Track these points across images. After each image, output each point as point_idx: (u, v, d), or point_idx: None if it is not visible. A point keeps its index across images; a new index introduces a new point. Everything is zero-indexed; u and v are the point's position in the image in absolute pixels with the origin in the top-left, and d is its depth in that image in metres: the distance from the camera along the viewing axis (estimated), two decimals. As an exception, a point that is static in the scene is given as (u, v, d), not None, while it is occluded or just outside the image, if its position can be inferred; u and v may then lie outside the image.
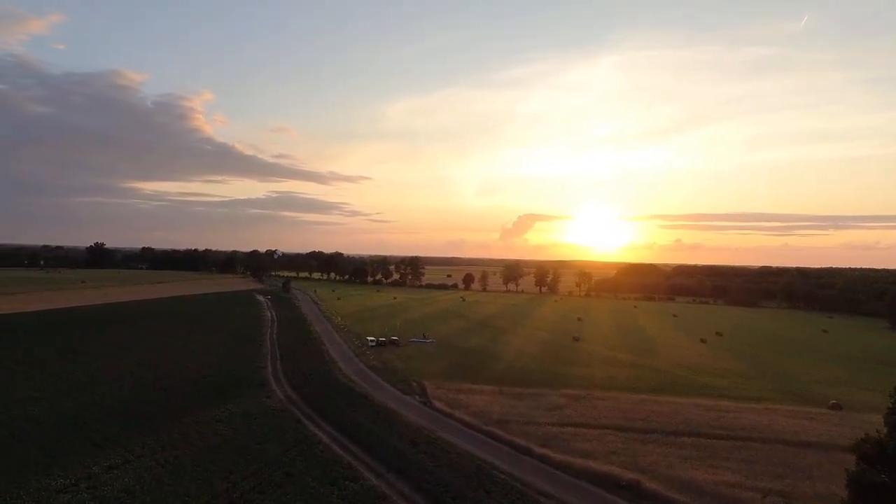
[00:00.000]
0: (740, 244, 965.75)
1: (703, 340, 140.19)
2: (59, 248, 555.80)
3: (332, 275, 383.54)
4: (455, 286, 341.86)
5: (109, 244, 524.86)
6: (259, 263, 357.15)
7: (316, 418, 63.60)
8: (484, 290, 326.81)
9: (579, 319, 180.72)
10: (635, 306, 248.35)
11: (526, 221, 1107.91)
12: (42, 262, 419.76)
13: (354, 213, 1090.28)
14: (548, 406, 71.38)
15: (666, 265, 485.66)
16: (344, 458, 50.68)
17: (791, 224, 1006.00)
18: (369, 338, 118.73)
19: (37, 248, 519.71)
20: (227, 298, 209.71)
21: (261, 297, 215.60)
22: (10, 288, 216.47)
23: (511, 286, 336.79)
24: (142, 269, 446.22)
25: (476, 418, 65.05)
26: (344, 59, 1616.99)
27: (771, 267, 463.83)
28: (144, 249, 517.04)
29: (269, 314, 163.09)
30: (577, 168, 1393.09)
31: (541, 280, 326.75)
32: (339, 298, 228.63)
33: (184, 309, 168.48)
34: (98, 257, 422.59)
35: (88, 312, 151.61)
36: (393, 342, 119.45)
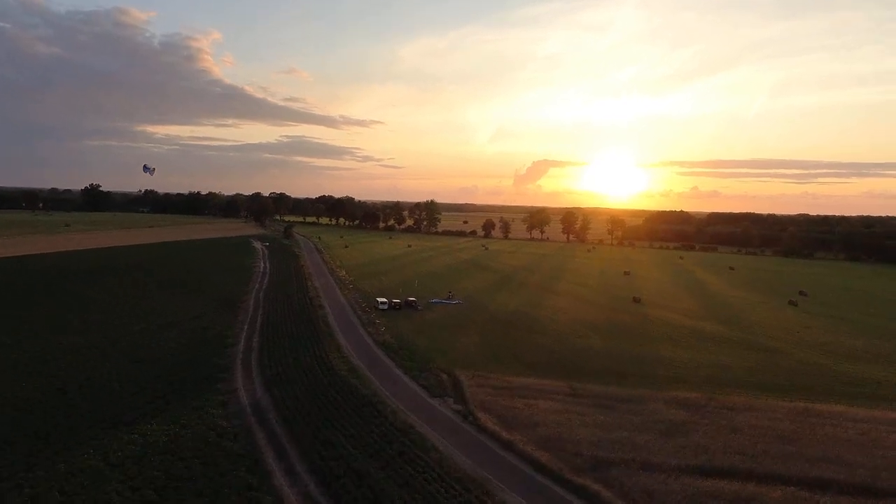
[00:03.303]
0: (759, 191, 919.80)
1: (792, 303, 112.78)
2: (66, 191, 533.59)
3: (342, 220, 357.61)
4: (473, 233, 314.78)
5: (123, 189, 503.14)
6: (262, 207, 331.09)
7: (289, 456, 38.14)
8: (506, 237, 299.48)
9: (627, 274, 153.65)
10: (681, 257, 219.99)
11: (540, 167, 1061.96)
12: (41, 205, 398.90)
13: (366, 159, 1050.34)
14: (661, 425, 45.27)
15: (697, 213, 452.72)
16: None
17: (812, 171, 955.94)
18: (380, 299, 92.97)
19: (45, 192, 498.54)
20: (219, 246, 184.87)
21: (258, 245, 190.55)
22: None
23: (535, 233, 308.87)
24: (142, 212, 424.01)
25: (554, 454, 39.23)
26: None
27: (809, 214, 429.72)
28: (147, 192, 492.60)
29: (262, 265, 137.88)
30: (593, 113, 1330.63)
31: (568, 227, 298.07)
32: (346, 246, 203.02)
33: (164, 259, 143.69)
34: (95, 199, 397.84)
35: (50, 263, 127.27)
36: (410, 304, 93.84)
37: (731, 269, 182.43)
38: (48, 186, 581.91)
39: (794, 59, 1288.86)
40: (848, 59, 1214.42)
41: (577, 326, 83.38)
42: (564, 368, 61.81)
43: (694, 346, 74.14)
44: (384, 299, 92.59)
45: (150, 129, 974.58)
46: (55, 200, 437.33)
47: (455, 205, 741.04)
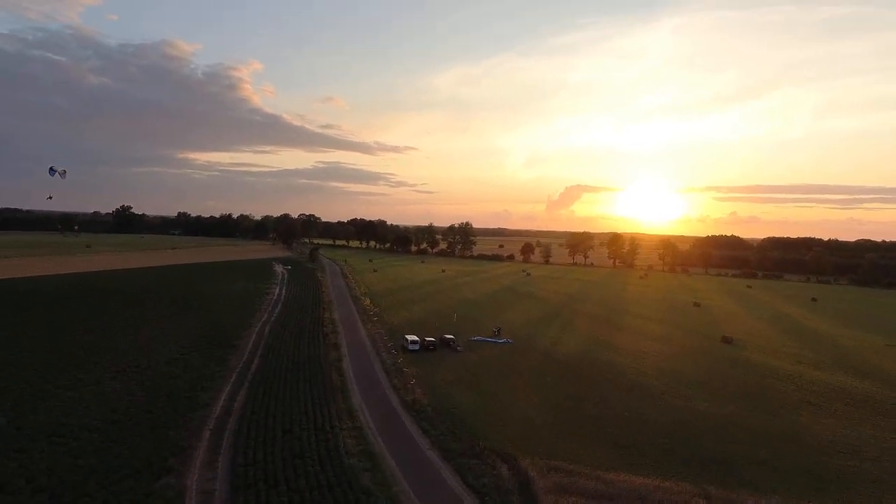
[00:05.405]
0: (800, 217, 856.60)
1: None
2: (107, 214, 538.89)
3: (373, 243, 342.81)
4: (511, 257, 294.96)
5: (166, 213, 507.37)
6: (290, 230, 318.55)
7: None
8: (546, 262, 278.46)
9: (697, 305, 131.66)
10: (749, 286, 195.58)
11: (573, 192, 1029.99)
12: (76, 227, 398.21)
13: (400, 184, 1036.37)
14: None
15: (750, 239, 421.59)
16: None
17: (858, 196, 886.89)
18: (409, 337, 74.31)
19: (87, 215, 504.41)
20: (238, 269, 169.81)
21: (279, 268, 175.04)
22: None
23: (578, 258, 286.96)
24: (174, 234, 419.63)
25: None
26: (392, 27, 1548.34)
27: (873, 240, 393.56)
28: (180, 215, 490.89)
29: (277, 291, 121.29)
30: (627, 137, 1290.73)
31: (615, 252, 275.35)
32: (375, 270, 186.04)
33: (171, 284, 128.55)
34: (124, 221, 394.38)
35: (43, 284, 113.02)
36: (447, 343, 75.08)
37: (814, 300, 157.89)
38: (91, 210, 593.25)
39: (837, 82, 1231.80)
40: (891, 80, 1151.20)
41: (670, 379, 62.95)
42: (680, 454, 41.79)
43: (849, 414, 52.96)
44: (415, 337, 73.93)
45: (193, 155, 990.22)
46: (91, 223, 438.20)
47: (488, 230, 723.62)
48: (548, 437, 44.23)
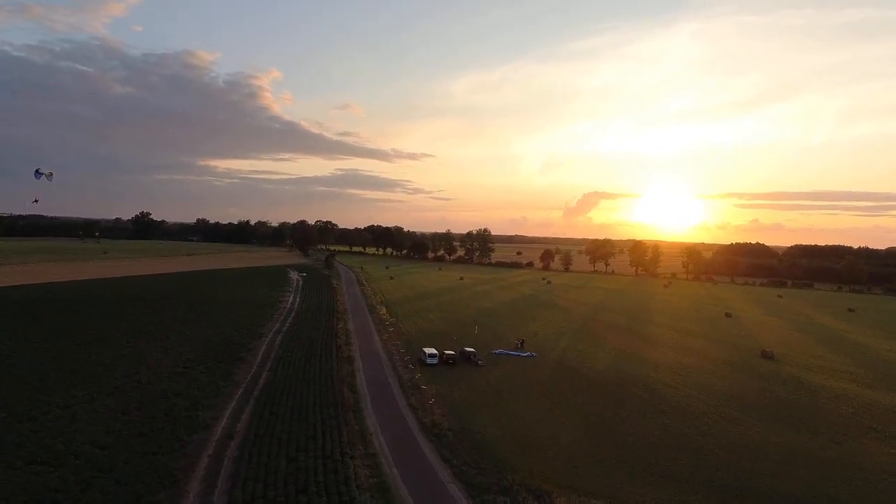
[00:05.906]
0: (826, 225, 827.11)
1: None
2: (129, 220, 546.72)
3: (389, 250, 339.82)
4: (530, 265, 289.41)
5: (186, 220, 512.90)
6: (306, 236, 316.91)
7: None
8: (567, 269, 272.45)
9: (728, 316, 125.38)
10: (779, 295, 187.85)
11: (590, 199, 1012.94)
12: (97, 234, 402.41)
13: (416, 191, 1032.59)
14: None
15: (776, 247, 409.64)
16: None
17: (884, 203, 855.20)
18: (427, 350, 69.88)
19: (109, 222, 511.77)
20: (252, 276, 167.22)
21: (294, 275, 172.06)
22: (8, 259, 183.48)
23: (599, 266, 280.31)
24: (192, 240, 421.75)
25: None
26: (408, 34, 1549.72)
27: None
28: (198, 221, 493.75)
29: (291, 299, 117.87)
30: (647, 144, 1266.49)
31: (637, 260, 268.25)
32: (391, 278, 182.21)
33: (182, 291, 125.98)
34: (143, 228, 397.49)
35: (58, 290, 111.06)
36: (467, 357, 70.56)
37: (851, 310, 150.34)
38: (114, 217, 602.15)
39: (862, 86, 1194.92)
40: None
41: (710, 398, 57.68)
42: (734, 489, 36.78)
43: (920, 444, 47.25)
44: (433, 350, 69.53)
45: (213, 163, 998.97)
46: (112, 229, 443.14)
47: (505, 237, 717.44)
48: (582, 467, 39.55)
